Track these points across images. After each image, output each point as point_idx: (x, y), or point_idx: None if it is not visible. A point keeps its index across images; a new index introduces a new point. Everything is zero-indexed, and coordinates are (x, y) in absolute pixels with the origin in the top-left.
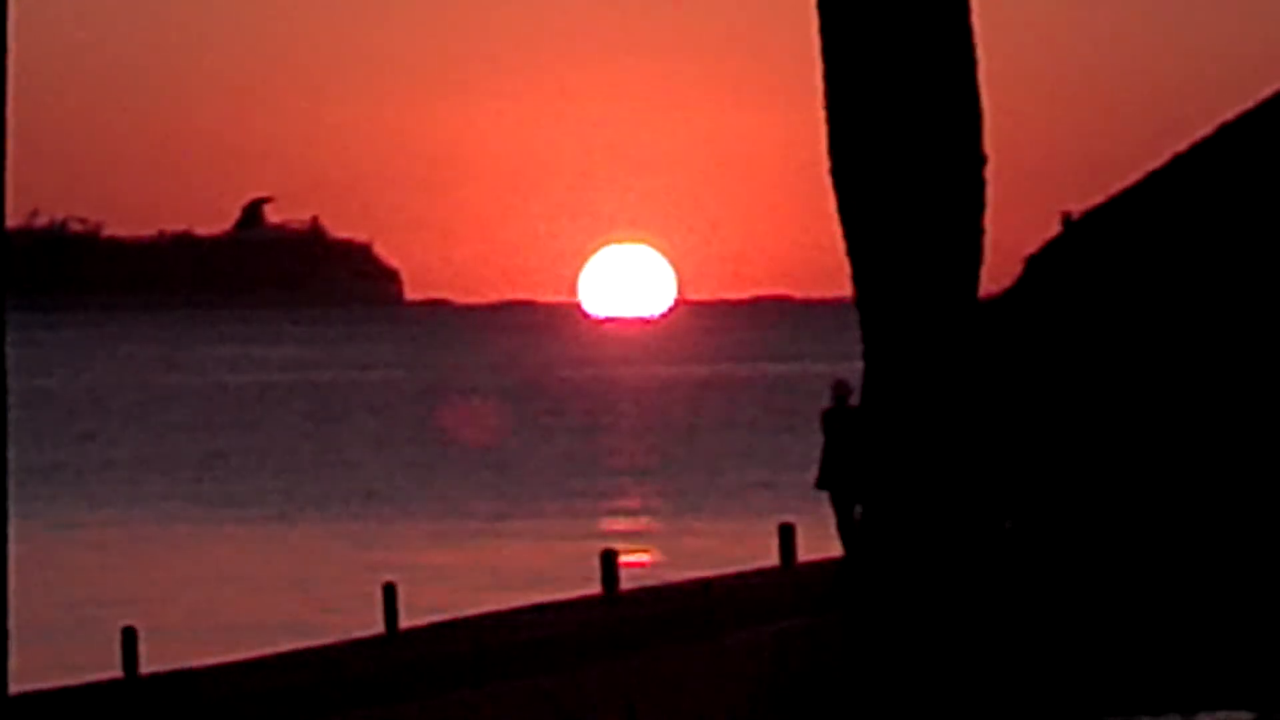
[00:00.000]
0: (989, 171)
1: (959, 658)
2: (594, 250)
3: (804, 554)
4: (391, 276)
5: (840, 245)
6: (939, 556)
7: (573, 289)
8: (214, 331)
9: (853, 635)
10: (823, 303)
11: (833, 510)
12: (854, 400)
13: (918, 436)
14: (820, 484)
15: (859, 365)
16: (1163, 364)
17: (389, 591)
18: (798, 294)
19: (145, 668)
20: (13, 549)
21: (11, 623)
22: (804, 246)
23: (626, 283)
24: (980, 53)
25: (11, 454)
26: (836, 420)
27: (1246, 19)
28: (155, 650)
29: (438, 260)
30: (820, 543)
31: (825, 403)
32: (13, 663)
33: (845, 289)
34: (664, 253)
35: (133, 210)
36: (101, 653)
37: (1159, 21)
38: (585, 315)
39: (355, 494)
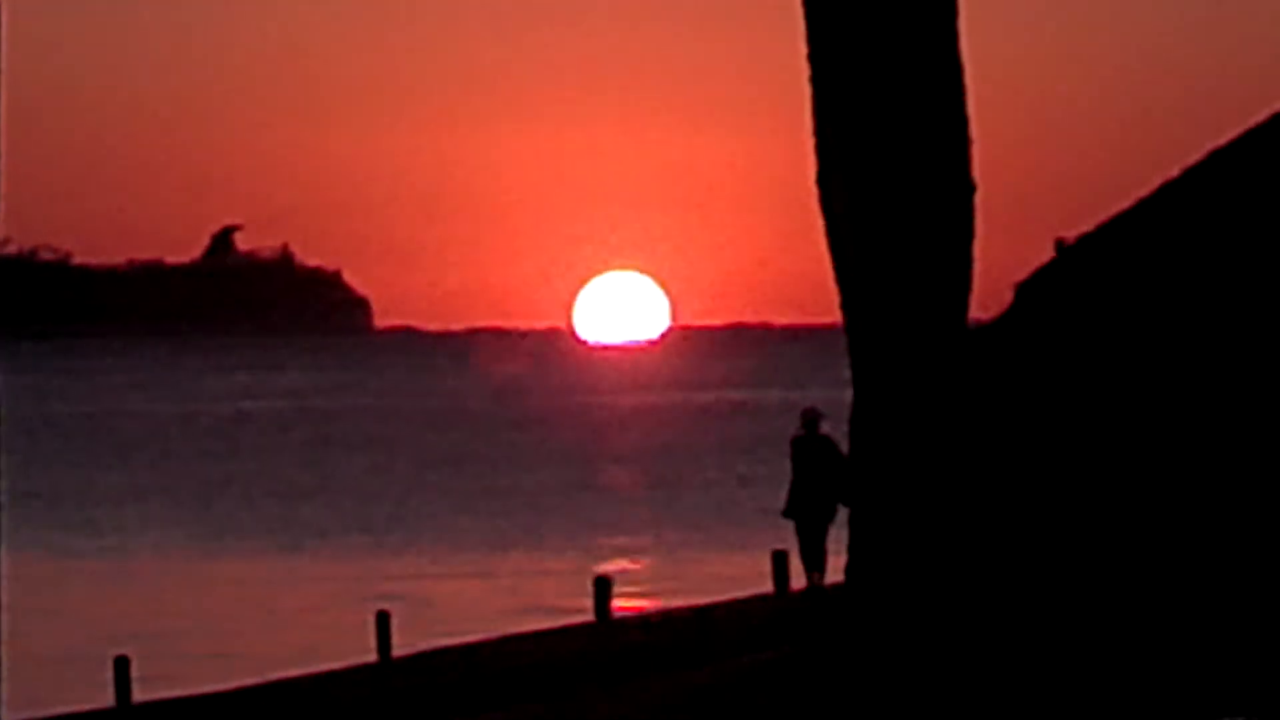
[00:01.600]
0: (978, 199)
1: (953, 678)
2: (585, 277)
3: (797, 581)
4: (361, 304)
5: (830, 272)
6: (928, 576)
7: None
8: (186, 359)
9: (846, 657)
10: (817, 329)
11: (797, 538)
12: (824, 428)
13: (907, 463)
14: (787, 512)
15: (850, 392)
16: (1156, 391)
17: (382, 619)
18: (792, 320)
19: (138, 696)
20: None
21: (4, 652)
22: (798, 273)
23: (620, 309)
24: (970, 80)
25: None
26: (805, 448)
27: (1237, 46)
28: (148, 679)
29: (406, 288)
30: (830, 567)
31: (795, 430)
32: (6, 691)
33: (837, 316)
34: (658, 279)
35: (102, 238)
36: (94, 682)
37: (1149, 48)
38: (579, 341)
39: (348, 522)
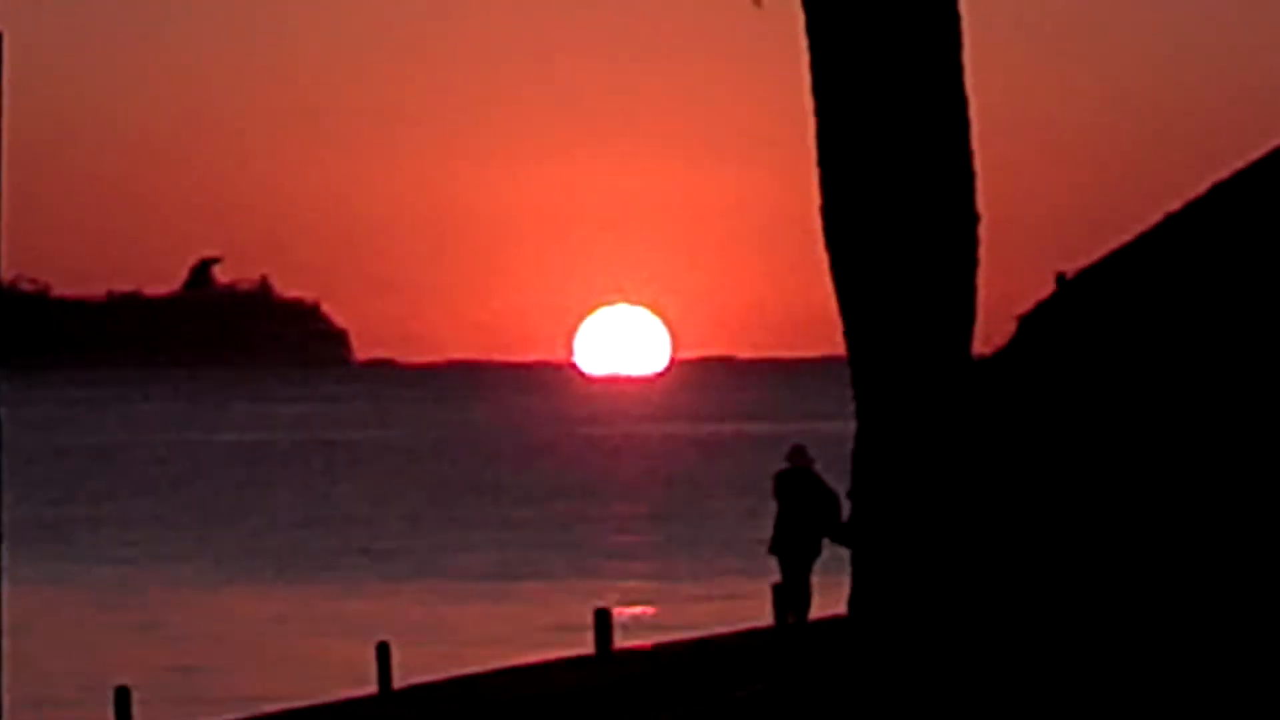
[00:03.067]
0: (982, 231)
1: (953, 705)
2: (586, 310)
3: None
4: (339, 337)
5: (834, 304)
6: (933, 610)
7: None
8: (169, 391)
9: (849, 691)
10: (819, 361)
11: (781, 574)
12: (808, 462)
13: (910, 495)
14: (773, 549)
15: (853, 424)
16: (1158, 424)
17: (383, 650)
18: (795, 353)
19: None
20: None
21: (5, 681)
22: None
23: (621, 343)
24: (974, 112)
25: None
26: (790, 483)
27: (1239, 80)
28: (149, 710)
29: (385, 320)
30: (815, 602)
31: (781, 465)
32: None
33: (840, 348)
34: (659, 313)
35: (82, 270)
36: (96, 712)
37: (1152, 81)
38: (580, 374)
39: (350, 553)
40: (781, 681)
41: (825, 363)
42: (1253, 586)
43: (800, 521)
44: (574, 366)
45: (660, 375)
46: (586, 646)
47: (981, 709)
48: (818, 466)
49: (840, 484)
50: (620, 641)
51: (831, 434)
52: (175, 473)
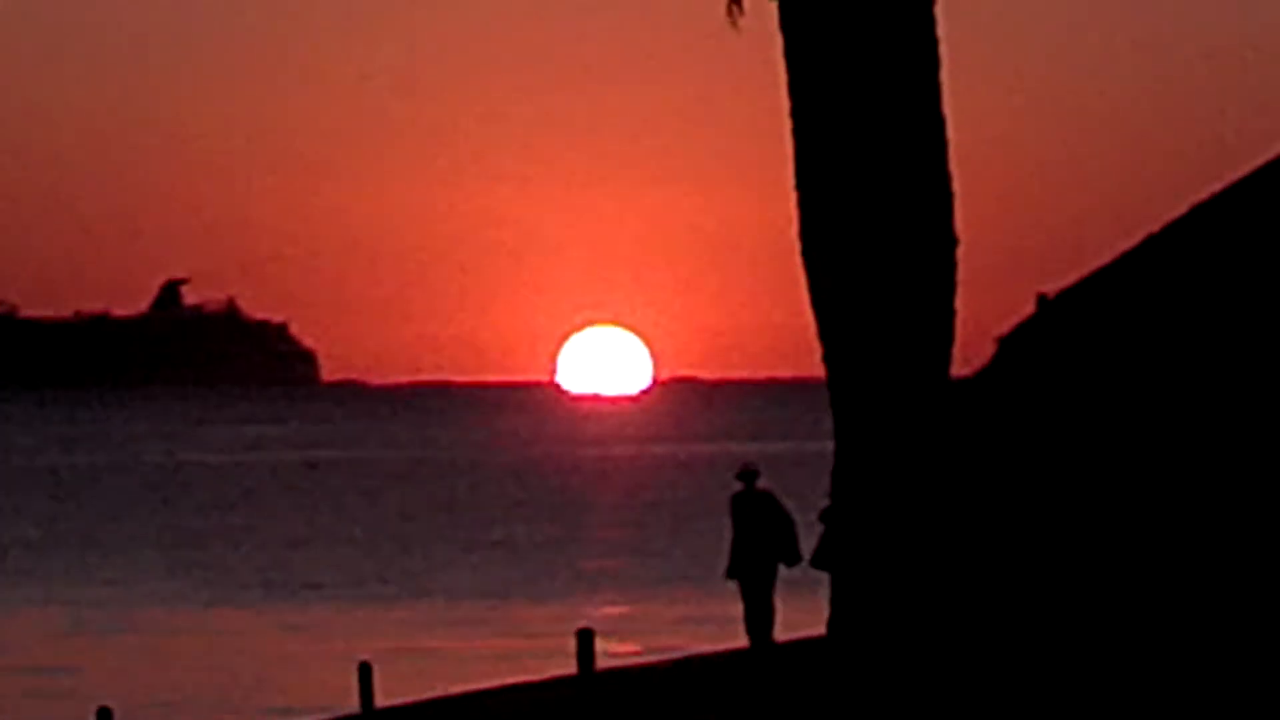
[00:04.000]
0: (961, 252)
1: None
2: (568, 332)
3: (780, 635)
4: (307, 357)
5: (812, 326)
6: (912, 632)
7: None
8: (138, 412)
9: (829, 713)
10: (799, 382)
11: (741, 600)
12: (762, 484)
13: (889, 516)
14: (731, 573)
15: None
16: (1139, 445)
17: (364, 670)
18: (775, 374)
19: None
20: None
21: None
22: (782, 327)
23: (603, 363)
24: (952, 133)
25: None
26: (745, 505)
27: (1221, 101)
28: None
29: (351, 341)
30: (796, 623)
31: (735, 487)
32: None
33: (819, 369)
34: (640, 334)
35: (50, 291)
36: None
37: (1133, 102)
38: (563, 394)
39: (331, 573)
40: (757, 705)
41: (806, 384)
42: (1232, 615)
43: (757, 545)
44: (555, 386)
45: (641, 395)
46: (569, 667)
47: None
48: (762, 484)
49: (806, 503)
50: (603, 662)
51: (813, 454)
52: (151, 494)
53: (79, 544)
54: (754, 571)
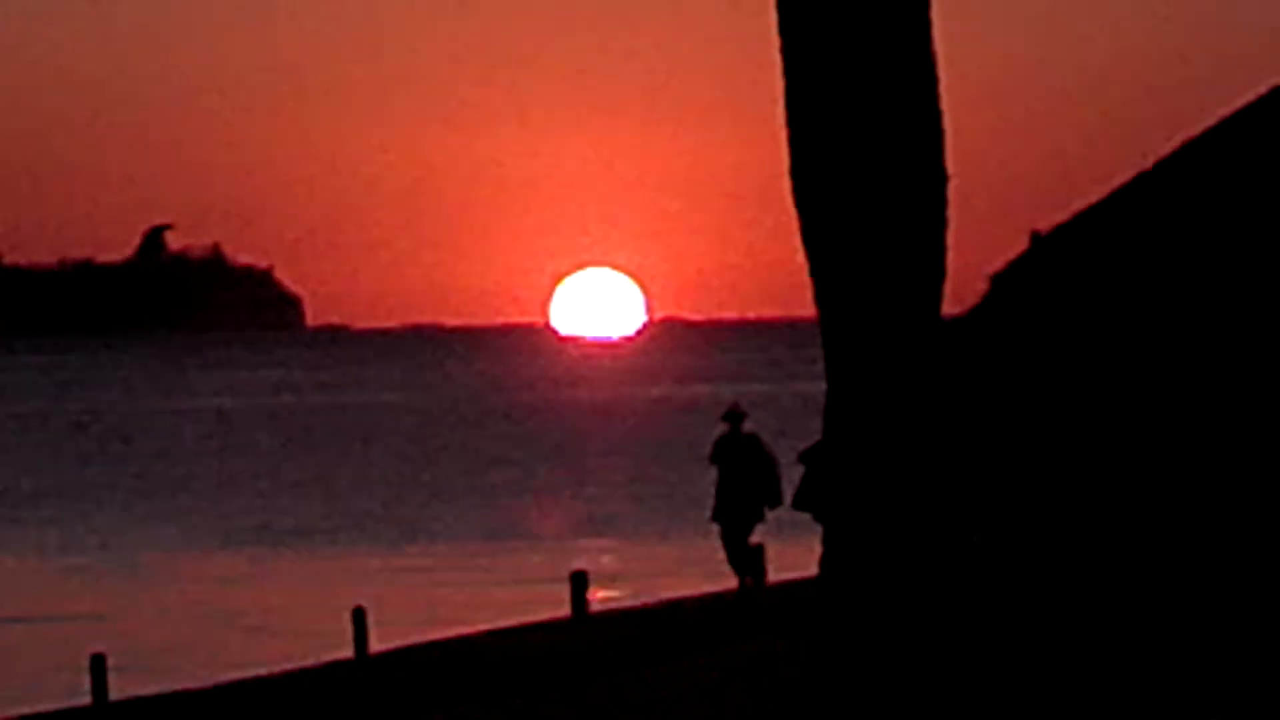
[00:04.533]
0: (952, 189)
1: (928, 673)
2: (561, 274)
3: (774, 575)
4: (292, 302)
5: (804, 265)
6: (906, 573)
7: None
8: (128, 358)
9: (821, 654)
10: (794, 322)
11: (723, 543)
12: (748, 426)
13: (882, 456)
14: (716, 515)
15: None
16: (1130, 381)
17: (358, 615)
18: (769, 314)
19: (114, 694)
20: None
21: None
22: (774, 266)
23: (596, 305)
24: (945, 70)
25: None
26: (729, 449)
27: (1211, 38)
28: (123, 676)
29: (337, 286)
30: (790, 563)
31: (720, 429)
32: None
33: (811, 309)
34: (633, 275)
35: (34, 238)
36: (70, 680)
37: (1124, 39)
38: (556, 336)
39: (326, 518)
40: (750, 647)
41: (800, 323)
42: (1229, 552)
43: (741, 487)
44: (548, 328)
45: (634, 337)
46: (563, 609)
47: (956, 669)
48: (748, 426)
49: (798, 445)
50: (597, 605)
51: (809, 395)
52: (142, 440)
53: (71, 491)
54: (736, 514)
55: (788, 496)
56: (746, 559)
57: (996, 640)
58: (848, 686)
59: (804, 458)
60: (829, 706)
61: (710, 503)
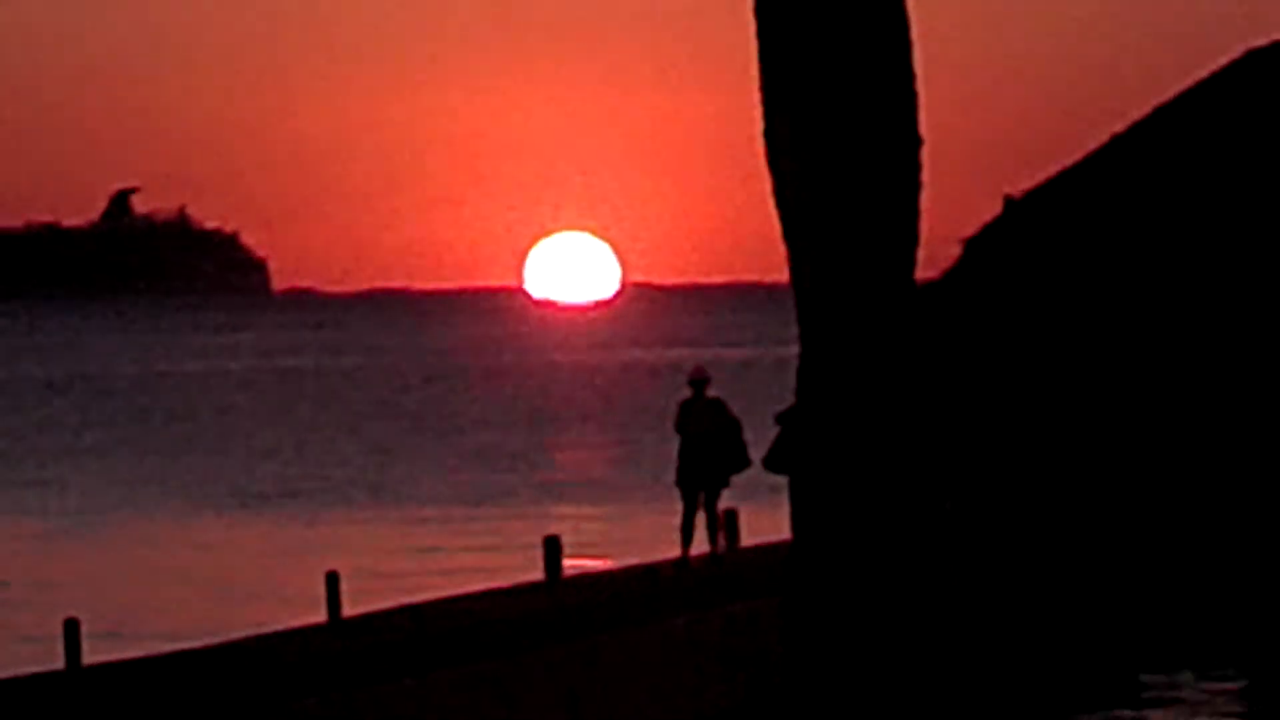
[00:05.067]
0: (927, 155)
1: (902, 637)
2: (535, 238)
3: (747, 539)
4: (258, 266)
5: (778, 229)
6: (880, 537)
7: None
8: (93, 322)
9: (794, 618)
10: (768, 286)
11: (683, 510)
12: (711, 391)
13: (855, 420)
14: (680, 481)
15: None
16: (1102, 345)
17: (331, 579)
18: (745, 278)
19: (88, 659)
20: None
21: None
22: (749, 231)
23: (571, 269)
24: (918, 34)
25: None
26: (693, 414)
27: (1186, 4)
28: (97, 641)
29: (303, 250)
30: (763, 527)
31: (684, 394)
32: None
33: (785, 273)
34: (608, 239)
35: None
36: (44, 644)
37: (1098, 4)
38: (531, 300)
39: (299, 482)
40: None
41: (775, 288)
42: (1200, 518)
43: (704, 453)
44: (522, 292)
45: (609, 301)
46: (537, 573)
47: (930, 631)
48: (712, 391)
49: (769, 409)
50: (570, 568)
51: (784, 359)
52: (110, 405)
53: (40, 456)
54: (701, 480)
55: (755, 459)
56: (713, 524)
57: (971, 603)
58: (822, 650)
59: (780, 419)
60: (804, 669)
61: (674, 468)
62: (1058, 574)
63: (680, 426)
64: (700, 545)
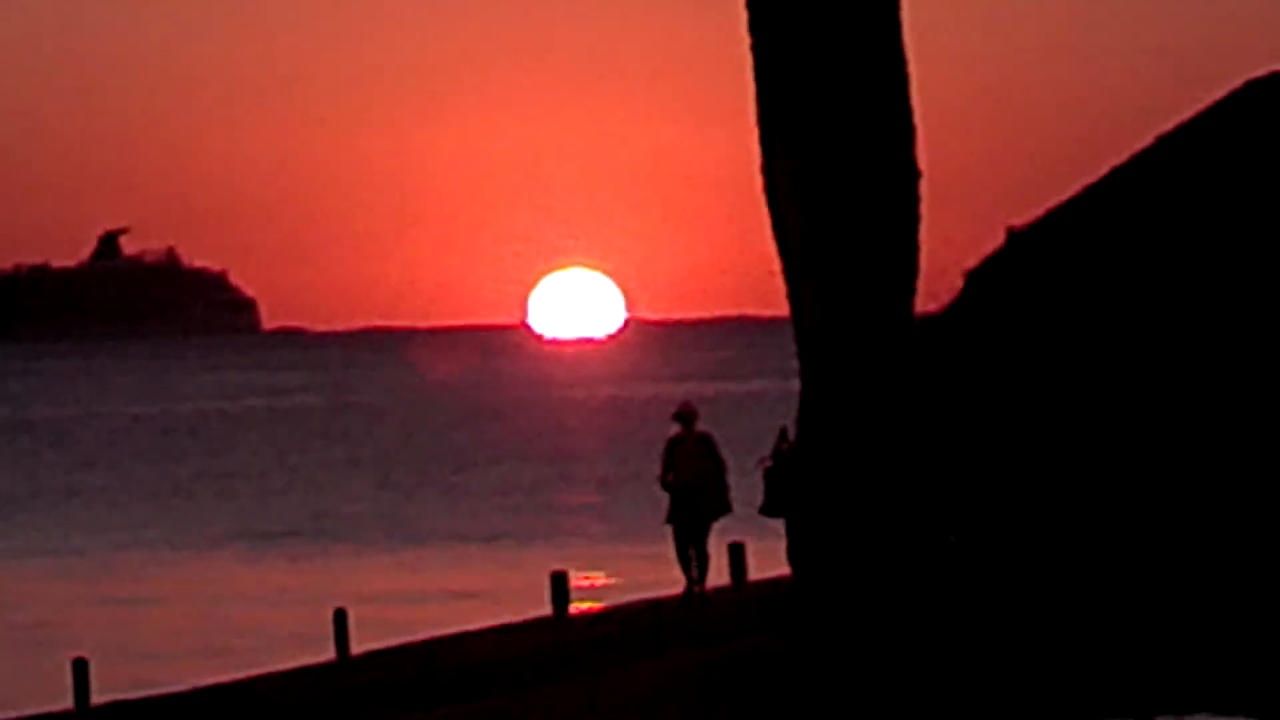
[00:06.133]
0: (928, 186)
1: (907, 671)
2: (539, 275)
3: (754, 573)
4: (247, 305)
5: (777, 264)
6: (884, 571)
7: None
8: (87, 363)
9: (800, 653)
10: (770, 321)
11: (674, 543)
12: (700, 427)
13: (857, 454)
14: (671, 518)
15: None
16: (1108, 378)
17: (339, 616)
18: (749, 312)
19: (96, 699)
20: None
21: None
22: (751, 267)
23: (575, 305)
24: (919, 66)
25: None
26: (679, 450)
27: (1185, 30)
28: (106, 680)
29: (292, 289)
30: (770, 561)
31: (674, 430)
32: None
33: (785, 307)
34: (611, 275)
35: None
36: (52, 684)
37: (1099, 33)
38: (535, 337)
39: (306, 520)
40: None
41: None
42: (1208, 544)
43: (690, 490)
44: (527, 329)
45: (613, 336)
46: (544, 608)
47: (936, 666)
48: (701, 426)
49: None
50: (578, 604)
51: (787, 392)
52: (109, 446)
53: (44, 497)
54: (687, 518)
55: (743, 497)
56: (702, 562)
57: (976, 637)
58: (829, 684)
59: (767, 474)
60: (811, 704)
61: (664, 505)
62: (1066, 610)
63: (668, 466)
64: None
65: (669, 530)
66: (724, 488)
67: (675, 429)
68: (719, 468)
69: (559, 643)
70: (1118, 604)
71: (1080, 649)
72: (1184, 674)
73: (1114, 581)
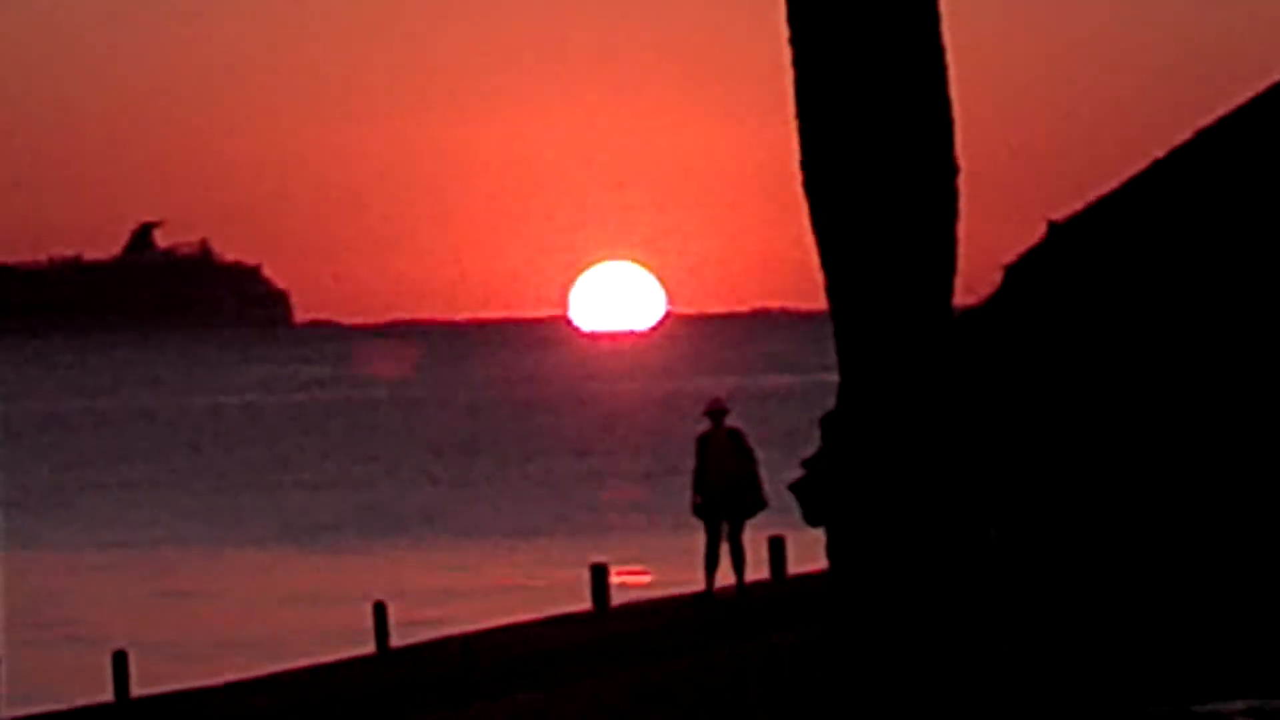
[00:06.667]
0: (967, 180)
1: (946, 667)
2: (580, 268)
3: (794, 567)
4: (280, 298)
5: (816, 257)
6: (924, 567)
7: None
8: (119, 356)
9: (839, 648)
10: (811, 314)
11: (706, 537)
12: (730, 421)
13: (896, 448)
14: (699, 510)
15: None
16: (1150, 372)
17: (379, 610)
18: (788, 305)
19: (136, 690)
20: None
21: (2, 647)
22: (791, 259)
23: (615, 298)
24: (958, 59)
25: None
26: (710, 445)
27: (1226, 24)
28: (146, 673)
29: (324, 281)
30: (811, 555)
31: (703, 425)
32: (5, 686)
33: (824, 301)
34: (651, 268)
35: (22, 236)
36: (93, 676)
37: (1139, 26)
38: (576, 330)
39: (345, 513)
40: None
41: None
42: (1244, 535)
43: (721, 486)
44: (567, 322)
45: (654, 330)
46: (584, 602)
47: (976, 663)
48: (730, 421)
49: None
50: (618, 597)
51: (825, 386)
52: (145, 438)
53: (91, 488)
54: (720, 513)
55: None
56: (738, 558)
57: (1017, 633)
58: (866, 682)
59: (793, 489)
60: (848, 701)
61: (692, 500)
62: (1108, 604)
63: (700, 464)
64: (726, 576)
65: (702, 524)
66: (756, 483)
67: (704, 425)
68: (750, 462)
69: (599, 636)
70: (1158, 598)
71: (1121, 643)
72: (1225, 666)
73: (1154, 575)
